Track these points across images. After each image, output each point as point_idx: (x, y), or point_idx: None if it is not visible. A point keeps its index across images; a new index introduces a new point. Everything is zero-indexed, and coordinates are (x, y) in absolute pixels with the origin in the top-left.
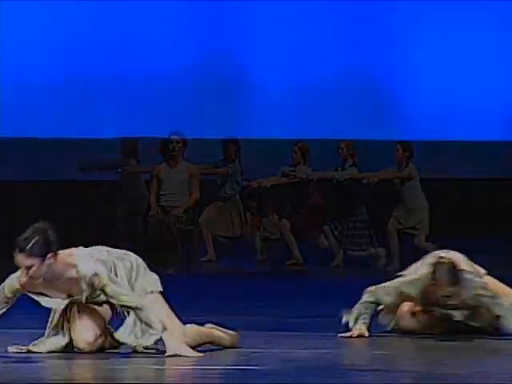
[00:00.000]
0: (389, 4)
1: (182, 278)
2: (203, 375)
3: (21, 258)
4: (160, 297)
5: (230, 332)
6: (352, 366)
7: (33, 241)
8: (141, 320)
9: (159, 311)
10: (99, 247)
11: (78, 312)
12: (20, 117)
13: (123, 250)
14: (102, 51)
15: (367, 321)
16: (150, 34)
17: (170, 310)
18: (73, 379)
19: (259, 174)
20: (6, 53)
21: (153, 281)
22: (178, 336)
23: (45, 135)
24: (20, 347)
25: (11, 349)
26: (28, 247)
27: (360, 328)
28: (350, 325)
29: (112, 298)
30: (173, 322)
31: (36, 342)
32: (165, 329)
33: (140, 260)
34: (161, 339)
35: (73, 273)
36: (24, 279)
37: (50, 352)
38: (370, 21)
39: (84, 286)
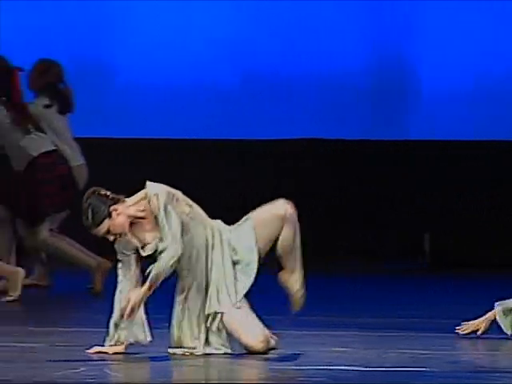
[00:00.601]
0: None
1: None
2: (368, 375)
3: (95, 233)
4: None
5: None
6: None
7: (89, 212)
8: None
9: None
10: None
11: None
12: (194, 119)
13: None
14: (275, 52)
15: None
16: (322, 35)
17: None
18: (184, 380)
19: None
20: (181, 56)
21: None
22: None
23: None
24: (185, 351)
25: (177, 351)
26: (91, 221)
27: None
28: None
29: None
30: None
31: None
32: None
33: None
34: None
35: (143, 204)
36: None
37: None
38: None
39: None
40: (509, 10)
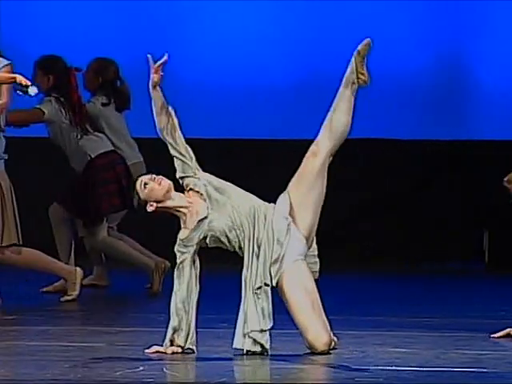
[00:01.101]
0: None
1: None
2: (427, 376)
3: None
4: None
5: None
6: None
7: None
8: None
9: None
10: None
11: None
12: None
13: None
14: (334, 53)
15: None
16: (382, 36)
17: None
18: (246, 379)
19: None
20: (238, 58)
21: None
22: None
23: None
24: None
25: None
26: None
27: None
28: None
29: None
30: None
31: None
32: None
33: None
34: None
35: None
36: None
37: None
38: None
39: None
40: None
